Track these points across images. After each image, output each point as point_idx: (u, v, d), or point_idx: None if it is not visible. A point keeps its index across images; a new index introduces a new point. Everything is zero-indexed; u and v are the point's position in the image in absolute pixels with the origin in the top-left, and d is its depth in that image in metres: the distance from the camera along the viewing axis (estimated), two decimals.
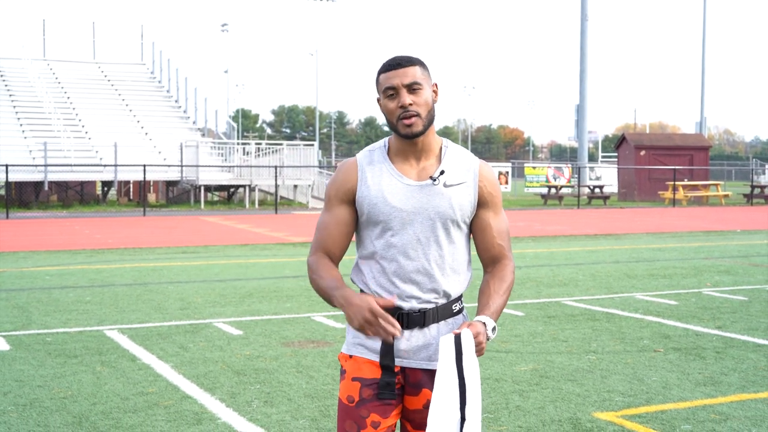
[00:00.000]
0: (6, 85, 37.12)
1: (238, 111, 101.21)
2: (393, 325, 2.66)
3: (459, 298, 2.93)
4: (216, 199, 35.67)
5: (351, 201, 2.90)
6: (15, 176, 29.00)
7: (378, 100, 2.88)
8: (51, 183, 31.43)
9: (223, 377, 6.44)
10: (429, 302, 2.86)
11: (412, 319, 2.84)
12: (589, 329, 8.26)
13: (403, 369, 2.86)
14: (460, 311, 2.93)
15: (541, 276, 12.22)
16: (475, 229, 2.95)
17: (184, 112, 39.02)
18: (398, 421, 2.93)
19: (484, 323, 2.73)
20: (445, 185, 2.85)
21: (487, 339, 2.72)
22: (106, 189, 34.53)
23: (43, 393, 5.99)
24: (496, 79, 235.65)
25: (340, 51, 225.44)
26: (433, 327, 2.86)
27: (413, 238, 2.83)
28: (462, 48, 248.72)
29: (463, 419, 2.59)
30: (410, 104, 2.77)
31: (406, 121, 2.78)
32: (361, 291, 2.90)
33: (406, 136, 2.80)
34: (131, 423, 5.32)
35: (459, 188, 2.87)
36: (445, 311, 2.88)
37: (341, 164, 2.97)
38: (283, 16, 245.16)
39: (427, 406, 2.84)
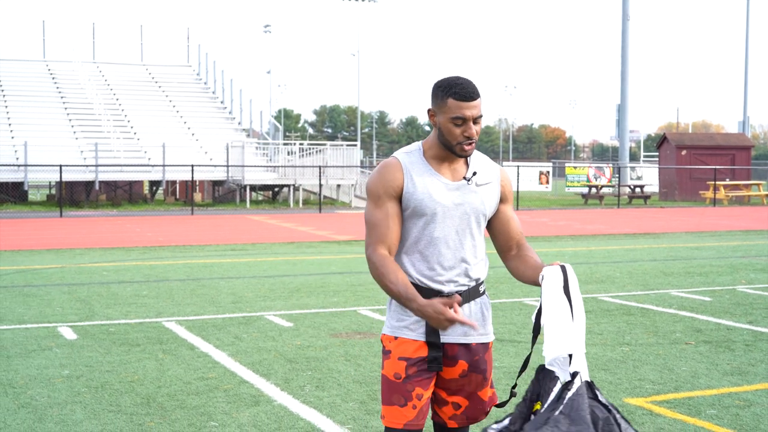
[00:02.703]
0: (58, 88, 38.14)
1: (280, 111, 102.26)
2: (467, 323, 3.11)
3: (483, 281, 3.40)
4: (261, 198, 36.32)
5: (398, 196, 3.26)
6: (67, 176, 29.86)
7: (431, 111, 3.27)
8: (101, 183, 32.27)
9: (276, 364, 6.90)
10: (464, 285, 3.30)
11: None
12: (623, 323, 8.61)
13: (443, 344, 3.29)
14: (484, 292, 3.40)
15: (579, 273, 12.56)
16: (499, 221, 3.40)
17: (230, 113, 39.75)
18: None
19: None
20: (476, 185, 3.30)
21: None
22: (154, 189, 35.34)
23: (112, 377, 6.49)
24: (537, 78, 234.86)
25: (382, 51, 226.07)
26: (465, 307, 3.30)
27: (452, 230, 3.28)
28: (503, 47, 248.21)
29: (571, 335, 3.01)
30: (474, 134, 3.21)
31: (467, 147, 3.22)
32: None
33: (460, 155, 3.24)
34: (195, 404, 5.79)
35: (487, 187, 3.33)
36: (474, 292, 3.34)
37: (384, 164, 3.31)
38: (324, 16, 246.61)
39: (462, 375, 3.30)
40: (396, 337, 3.30)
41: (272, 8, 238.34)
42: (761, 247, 16.87)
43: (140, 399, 5.90)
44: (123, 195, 34.46)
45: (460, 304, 3.27)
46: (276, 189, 35.55)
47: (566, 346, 2.99)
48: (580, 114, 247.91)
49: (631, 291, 10.81)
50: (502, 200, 3.40)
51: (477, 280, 3.34)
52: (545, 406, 2.94)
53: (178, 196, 39.04)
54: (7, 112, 35.17)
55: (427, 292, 3.25)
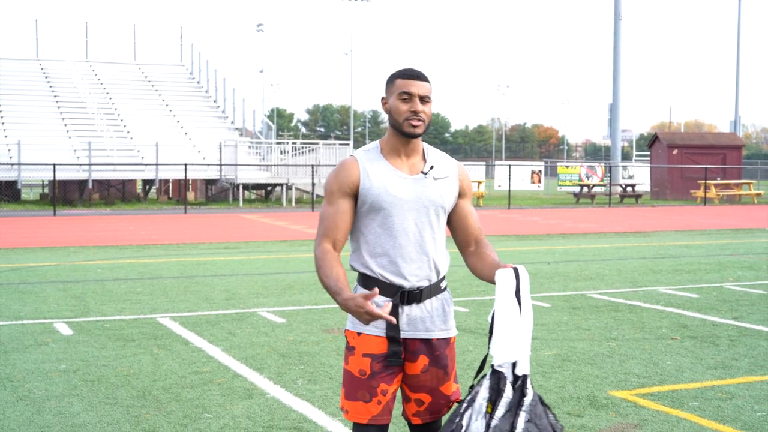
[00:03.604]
0: (51, 87, 38.18)
1: (273, 110, 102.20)
2: (387, 319, 3.10)
3: (444, 277, 3.45)
4: (253, 197, 36.42)
5: (353, 194, 3.34)
6: (60, 175, 29.90)
7: (384, 99, 3.40)
8: (94, 182, 32.34)
9: (269, 359, 7.02)
10: (425, 280, 3.34)
11: (411, 296, 3.34)
12: (611, 319, 8.76)
13: (404, 340, 3.35)
14: (445, 288, 3.45)
15: (568, 271, 12.71)
16: (457, 216, 3.46)
17: (222, 112, 39.83)
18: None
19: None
20: (434, 178, 3.36)
21: None
22: (147, 187, 35.41)
23: (108, 371, 6.61)
24: (530, 78, 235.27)
25: (375, 50, 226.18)
26: (427, 302, 3.35)
27: (411, 222, 3.32)
28: (496, 47, 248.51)
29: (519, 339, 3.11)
30: (421, 111, 3.30)
31: (414, 122, 3.30)
32: (364, 275, 3.36)
33: (409, 135, 3.31)
34: (190, 396, 5.91)
35: (445, 181, 3.39)
36: (436, 289, 3.38)
37: (341, 163, 3.40)
38: (317, 16, 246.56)
39: (423, 371, 3.34)
40: (359, 333, 3.35)
41: (265, 7, 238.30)
42: (750, 245, 17.05)
43: (136, 392, 6.02)
44: (116, 194, 34.53)
45: (419, 301, 3.33)
46: (269, 188, 35.65)
47: (513, 353, 3.09)
48: (572, 113, 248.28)
49: (620, 288, 10.96)
50: (461, 195, 3.46)
51: (439, 274, 3.39)
52: (499, 408, 3.04)
53: (171, 195, 39.10)
54: (0, 111, 35.19)
55: (390, 287, 3.31)
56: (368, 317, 3.08)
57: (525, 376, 3.10)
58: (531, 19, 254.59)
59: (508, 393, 3.07)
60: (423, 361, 3.35)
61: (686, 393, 6.02)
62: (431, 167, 3.37)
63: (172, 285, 11.16)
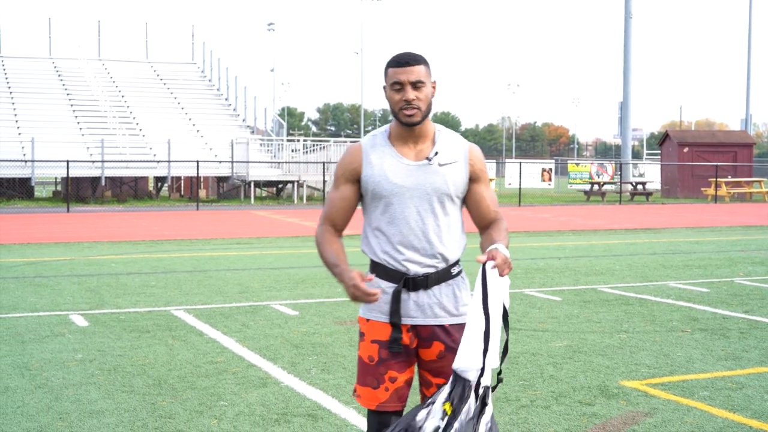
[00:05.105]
0: (64, 85, 38.40)
1: (283, 109, 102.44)
2: (370, 294, 3.17)
3: (457, 262, 3.40)
4: (264, 194, 36.53)
5: (356, 180, 3.37)
6: (73, 172, 30.06)
7: (384, 88, 3.39)
8: (106, 179, 32.50)
9: (283, 349, 7.10)
10: (430, 266, 3.31)
11: (417, 282, 3.30)
12: (622, 312, 8.81)
13: (414, 327, 3.36)
14: (458, 273, 3.39)
15: (579, 266, 12.76)
16: (471, 201, 3.41)
17: (234, 110, 39.97)
18: (417, 373, 3.44)
19: (497, 247, 3.17)
20: (439, 164, 3.30)
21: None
22: (159, 185, 35.57)
23: (124, 361, 6.70)
24: (540, 76, 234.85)
25: (385, 49, 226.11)
26: (436, 288, 3.33)
27: (413, 210, 3.29)
28: (507, 46, 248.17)
29: (486, 350, 3.10)
30: (413, 99, 3.25)
31: (407, 112, 3.25)
32: (372, 261, 3.40)
33: (406, 124, 3.29)
34: (205, 385, 6.00)
35: (452, 167, 3.32)
36: (445, 274, 3.34)
37: (347, 148, 3.43)
38: (328, 15, 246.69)
39: (440, 356, 3.34)
40: (368, 320, 3.38)
41: (276, 6, 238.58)
42: (761, 241, 17.05)
43: (152, 381, 6.11)
44: (128, 191, 34.70)
45: (427, 287, 3.32)
46: (280, 185, 35.76)
47: (477, 361, 3.08)
48: (583, 112, 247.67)
49: (630, 283, 11.00)
50: (473, 179, 3.39)
51: (447, 261, 3.35)
52: (462, 413, 3.05)
53: (182, 193, 39.26)
54: (14, 109, 35.42)
55: (392, 272, 3.32)
56: (355, 291, 3.15)
57: (487, 388, 3.11)
58: (541, 17, 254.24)
59: (471, 401, 3.08)
60: (438, 347, 3.34)
61: (696, 383, 6.07)
62: (435, 153, 3.31)
63: (186, 279, 11.25)
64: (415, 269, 3.31)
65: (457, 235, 3.39)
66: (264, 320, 8.37)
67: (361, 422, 5.20)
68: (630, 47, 41.86)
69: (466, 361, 3.08)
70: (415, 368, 3.44)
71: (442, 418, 3.06)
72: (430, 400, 3.14)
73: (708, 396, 5.73)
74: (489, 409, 3.11)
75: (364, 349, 3.38)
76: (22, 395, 5.72)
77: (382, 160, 3.33)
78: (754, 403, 5.57)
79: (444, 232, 3.33)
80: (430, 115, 3.36)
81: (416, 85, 3.25)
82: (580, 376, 6.24)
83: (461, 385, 3.09)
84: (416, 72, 3.25)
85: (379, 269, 3.36)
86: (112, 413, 5.33)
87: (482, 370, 3.08)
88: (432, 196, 3.30)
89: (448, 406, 3.07)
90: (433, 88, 3.36)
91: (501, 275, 3.11)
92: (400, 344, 3.32)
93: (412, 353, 3.38)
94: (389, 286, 3.33)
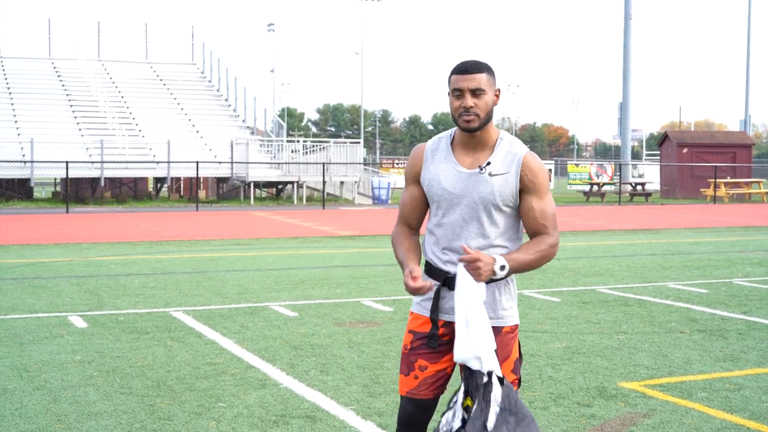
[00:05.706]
0: (63, 86, 38.40)
1: (283, 110, 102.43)
2: (417, 287, 3.30)
3: (502, 268, 3.41)
4: (264, 195, 36.54)
5: (418, 180, 3.56)
6: (72, 173, 30.08)
7: (448, 94, 3.45)
8: (106, 180, 32.51)
9: (282, 351, 7.10)
10: None
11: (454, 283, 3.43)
12: (620, 313, 8.81)
13: (449, 323, 3.46)
14: (502, 278, 3.35)
15: (578, 267, 12.77)
16: (521, 211, 3.44)
17: (234, 110, 39.97)
18: (455, 365, 3.51)
19: (494, 258, 3.25)
20: (490, 174, 3.37)
21: (493, 273, 3.24)
22: (158, 186, 35.57)
23: (122, 362, 6.70)
24: (540, 77, 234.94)
25: (385, 50, 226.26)
26: None
27: (459, 217, 3.42)
28: (506, 46, 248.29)
29: (472, 339, 3.23)
30: (471, 106, 3.34)
31: (466, 118, 3.35)
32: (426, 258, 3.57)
33: (465, 130, 3.39)
34: (203, 387, 6.00)
35: (502, 177, 3.37)
36: None
37: (413, 149, 3.60)
38: (328, 15, 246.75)
39: None
40: (412, 312, 3.58)
41: (276, 7, 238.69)
42: (759, 242, 17.07)
43: (151, 382, 6.11)
44: (128, 192, 34.70)
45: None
46: (280, 186, 35.77)
47: (470, 350, 3.20)
48: (583, 113, 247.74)
49: (629, 283, 11.01)
50: (524, 190, 3.40)
51: None
52: (477, 401, 3.17)
53: (182, 194, 39.25)
54: (14, 110, 35.42)
55: (436, 271, 3.47)
56: (406, 281, 3.33)
57: (491, 372, 3.20)
58: (541, 18, 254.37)
59: (496, 387, 3.20)
60: None
61: (695, 384, 6.08)
62: (488, 163, 3.38)
63: (185, 280, 11.26)
64: (455, 270, 3.41)
65: (502, 243, 3.44)
66: (263, 321, 8.38)
67: (360, 424, 5.21)
68: (629, 48, 41.89)
69: (462, 351, 3.23)
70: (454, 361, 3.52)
71: (467, 412, 3.20)
72: (453, 400, 3.28)
73: (706, 397, 5.74)
74: (495, 391, 3.19)
75: (404, 338, 3.58)
76: (20, 397, 5.73)
77: (439, 165, 3.47)
78: (752, 404, 5.58)
79: (488, 240, 3.42)
80: (491, 122, 3.42)
81: (476, 93, 3.34)
82: (579, 377, 6.24)
83: (473, 377, 3.22)
84: (477, 80, 3.34)
85: (427, 267, 3.52)
86: (110, 415, 5.34)
87: (479, 358, 3.20)
88: (478, 205, 3.40)
89: (469, 401, 3.20)
90: (496, 96, 3.42)
91: (468, 271, 3.22)
92: (437, 340, 3.46)
93: (448, 346, 3.48)
94: (434, 284, 3.46)
